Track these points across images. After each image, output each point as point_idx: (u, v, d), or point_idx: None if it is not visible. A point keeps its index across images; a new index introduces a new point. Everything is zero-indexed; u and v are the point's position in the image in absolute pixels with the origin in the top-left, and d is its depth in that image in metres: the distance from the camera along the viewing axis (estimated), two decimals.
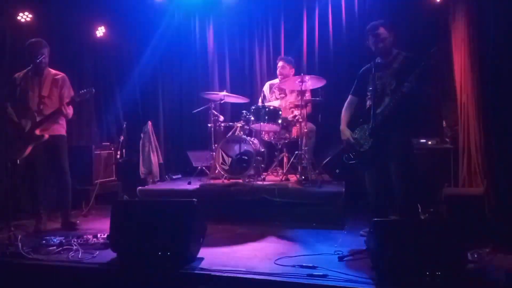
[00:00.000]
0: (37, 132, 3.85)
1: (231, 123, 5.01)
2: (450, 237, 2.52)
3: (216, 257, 2.95)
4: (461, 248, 2.51)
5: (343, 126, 3.57)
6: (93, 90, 3.92)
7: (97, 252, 3.09)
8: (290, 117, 4.79)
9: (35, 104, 3.92)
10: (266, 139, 4.91)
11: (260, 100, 5.33)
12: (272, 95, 5.28)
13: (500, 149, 3.35)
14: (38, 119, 3.86)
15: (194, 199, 2.94)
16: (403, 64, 3.31)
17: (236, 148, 4.53)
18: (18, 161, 3.96)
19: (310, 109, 5.00)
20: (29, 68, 3.97)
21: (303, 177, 4.44)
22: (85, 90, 3.91)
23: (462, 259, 2.50)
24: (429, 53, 3.09)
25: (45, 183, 4.12)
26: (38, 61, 3.84)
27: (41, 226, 3.95)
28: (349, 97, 3.67)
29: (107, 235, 3.08)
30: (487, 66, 3.49)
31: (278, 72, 5.15)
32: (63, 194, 4.08)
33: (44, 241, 3.30)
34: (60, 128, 4.07)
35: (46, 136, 3.88)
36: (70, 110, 4.00)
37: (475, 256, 2.78)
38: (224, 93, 4.96)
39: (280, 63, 5.14)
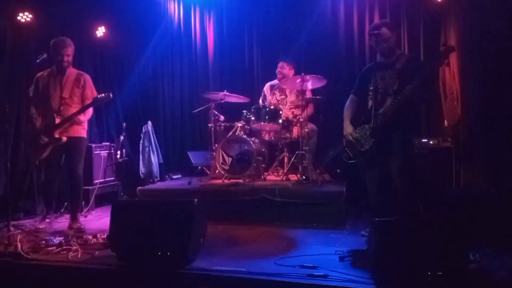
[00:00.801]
0: (56, 134, 3.82)
1: (231, 123, 5.00)
2: (451, 237, 2.50)
3: (216, 257, 2.94)
4: (463, 248, 2.50)
5: (346, 122, 3.54)
6: (111, 95, 3.89)
7: (97, 252, 3.08)
8: (290, 116, 4.77)
9: (56, 104, 3.90)
10: (267, 138, 4.90)
11: (260, 99, 5.33)
12: (272, 96, 5.26)
13: (500, 149, 3.34)
14: (57, 120, 3.82)
15: (194, 199, 2.92)
16: (406, 65, 3.28)
17: (237, 148, 4.52)
18: (37, 162, 4.02)
19: (312, 109, 4.99)
20: (52, 67, 3.99)
21: (303, 177, 4.43)
22: (103, 94, 3.89)
23: (464, 259, 2.49)
24: (436, 55, 3.05)
25: (50, 183, 4.11)
26: (38, 61, 3.84)
27: (41, 226, 3.93)
28: (350, 96, 3.65)
29: (107, 235, 3.06)
30: (484, 64, 3.49)
31: (277, 71, 5.14)
32: (72, 196, 4.02)
33: (43, 241, 3.28)
34: (81, 130, 4.01)
35: (65, 138, 3.83)
36: (87, 115, 4.01)
37: (477, 256, 2.76)
38: (225, 92, 4.95)
39: (280, 63, 5.13)
